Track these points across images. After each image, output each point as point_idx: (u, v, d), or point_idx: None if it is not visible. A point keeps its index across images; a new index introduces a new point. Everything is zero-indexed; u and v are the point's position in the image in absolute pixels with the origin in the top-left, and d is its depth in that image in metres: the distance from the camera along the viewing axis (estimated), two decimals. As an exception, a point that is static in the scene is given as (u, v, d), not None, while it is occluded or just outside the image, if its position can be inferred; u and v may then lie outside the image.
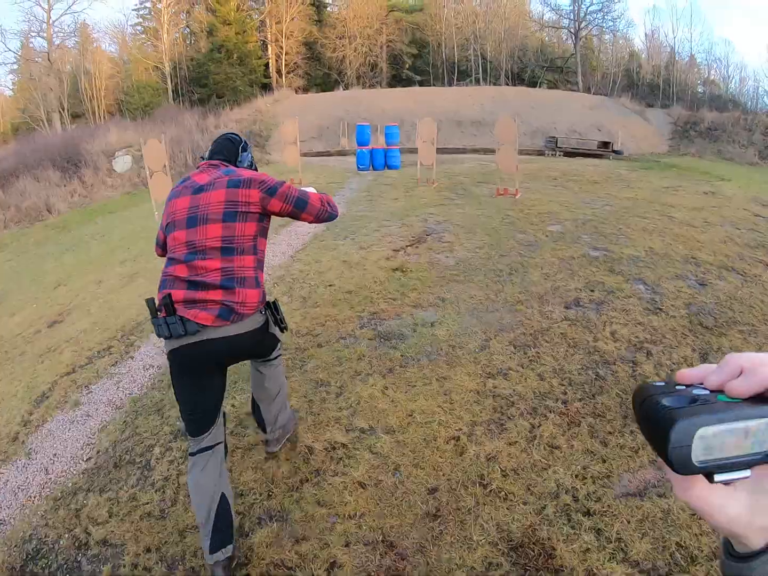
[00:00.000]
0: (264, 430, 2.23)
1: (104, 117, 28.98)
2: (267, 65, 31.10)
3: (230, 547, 1.75)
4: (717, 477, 0.31)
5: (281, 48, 30.49)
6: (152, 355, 3.83)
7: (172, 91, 29.95)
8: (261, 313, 1.84)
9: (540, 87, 28.78)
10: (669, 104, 26.15)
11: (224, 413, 1.90)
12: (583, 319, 3.80)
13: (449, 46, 32.12)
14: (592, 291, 4.30)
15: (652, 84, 31.65)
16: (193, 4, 30.95)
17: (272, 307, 1.92)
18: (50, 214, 14.03)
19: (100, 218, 11.97)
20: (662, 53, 33.58)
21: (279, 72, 30.94)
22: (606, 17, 30.40)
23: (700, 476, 0.31)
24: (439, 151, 9.18)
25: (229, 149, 1.99)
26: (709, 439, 0.30)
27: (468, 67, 32.31)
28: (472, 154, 16.47)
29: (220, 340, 1.70)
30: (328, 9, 34.52)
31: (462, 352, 3.22)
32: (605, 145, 17.94)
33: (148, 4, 31.57)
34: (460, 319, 3.65)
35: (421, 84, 28.53)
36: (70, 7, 27.47)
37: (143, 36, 32.67)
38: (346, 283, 4.31)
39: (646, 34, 34.30)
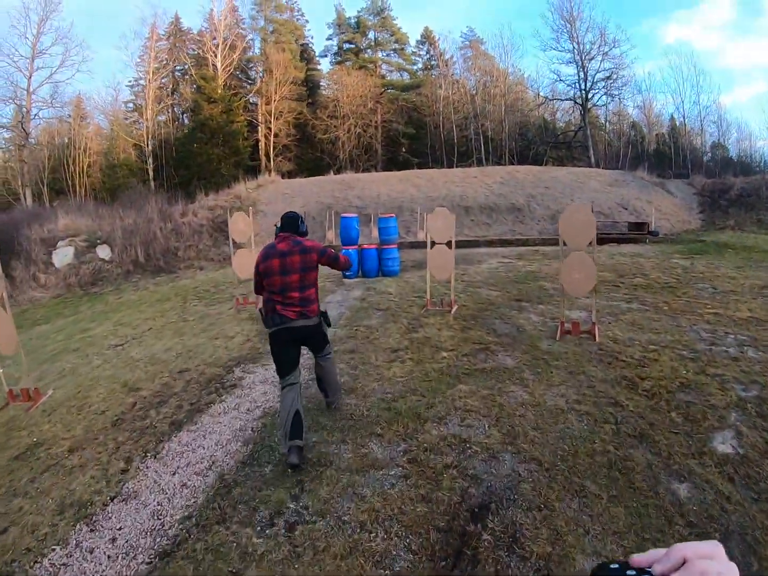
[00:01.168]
0: (326, 396, 3.59)
1: (87, 195, 26.98)
2: (255, 147, 29.44)
3: (300, 441, 2.91)
4: None
5: (270, 129, 28.96)
6: None
7: (153, 172, 27.98)
8: (318, 317, 3.18)
9: (546, 164, 26.76)
10: (682, 173, 24.10)
11: (299, 369, 3.21)
12: None
13: (447, 127, 30.63)
14: None
15: (660, 153, 29.84)
16: (178, 81, 29.85)
17: (323, 315, 3.25)
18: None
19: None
20: (663, 120, 32.29)
21: (267, 155, 29.21)
22: (613, 86, 28.46)
23: None
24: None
25: (293, 223, 3.16)
26: None
27: (469, 147, 30.64)
28: (486, 247, 13.60)
29: (296, 328, 3.06)
30: (321, 90, 33.70)
31: None
32: (638, 226, 15.31)
33: (142, 81, 30.50)
34: None
35: (420, 167, 25.70)
36: (51, 74, 25.79)
37: (135, 113, 31.43)
38: None
39: (644, 102, 33.01)
